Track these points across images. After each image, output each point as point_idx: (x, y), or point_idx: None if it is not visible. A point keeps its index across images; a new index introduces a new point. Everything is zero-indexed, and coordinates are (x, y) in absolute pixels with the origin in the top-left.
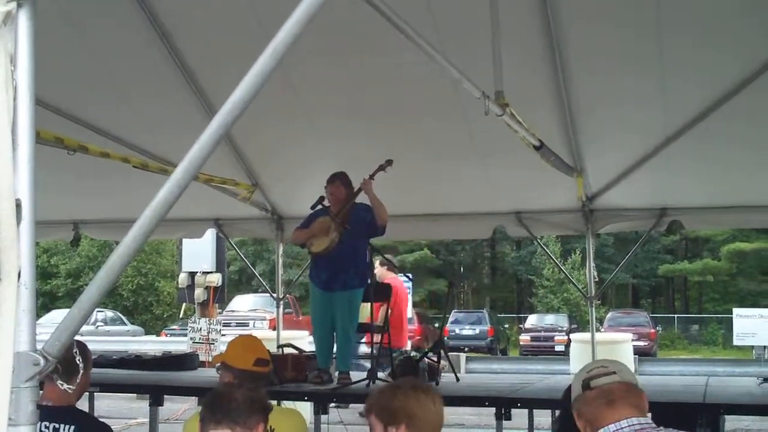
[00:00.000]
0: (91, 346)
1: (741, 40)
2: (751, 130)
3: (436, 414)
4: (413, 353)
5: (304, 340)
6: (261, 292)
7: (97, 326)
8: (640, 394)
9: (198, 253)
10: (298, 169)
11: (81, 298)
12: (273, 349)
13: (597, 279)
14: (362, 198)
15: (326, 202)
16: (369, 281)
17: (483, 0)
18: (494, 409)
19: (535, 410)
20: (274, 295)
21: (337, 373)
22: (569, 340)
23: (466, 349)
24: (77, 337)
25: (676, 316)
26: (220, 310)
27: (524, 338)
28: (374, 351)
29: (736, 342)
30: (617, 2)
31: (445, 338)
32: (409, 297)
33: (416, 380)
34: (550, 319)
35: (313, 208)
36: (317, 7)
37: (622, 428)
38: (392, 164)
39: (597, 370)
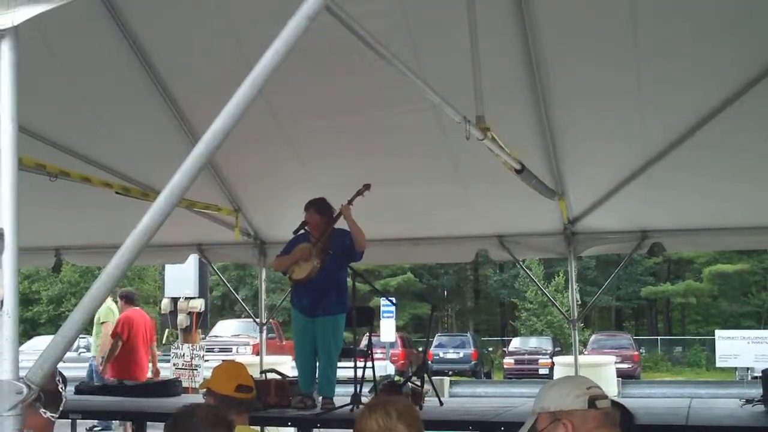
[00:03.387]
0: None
1: (714, 69)
2: (730, 155)
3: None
4: (396, 377)
5: (287, 365)
6: (244, 317)
7: (80, 353)
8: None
9: (181, 279)
10: (280, 193)
11: (64, 325)
12: (256, 374)
13: (580, 302)
14: (342, 223)
15: (308, 227)
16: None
17: (463, 25)
18: None
19: None
20: (257, 320)
21: (320, 398)
22: (553, 363)
23: (450, 372)
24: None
25: (659, 338)
26: (203, 336)
27: (508, 361)
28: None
29: (718, 364)
30: (596, 30)
31: (429, 362)
32: (393, 321)
33: (392, 399)
34: (533, 342)
35: (295, 233)
36: (296, 37)
37: None
38: (370, 189)
39: (597, 390)
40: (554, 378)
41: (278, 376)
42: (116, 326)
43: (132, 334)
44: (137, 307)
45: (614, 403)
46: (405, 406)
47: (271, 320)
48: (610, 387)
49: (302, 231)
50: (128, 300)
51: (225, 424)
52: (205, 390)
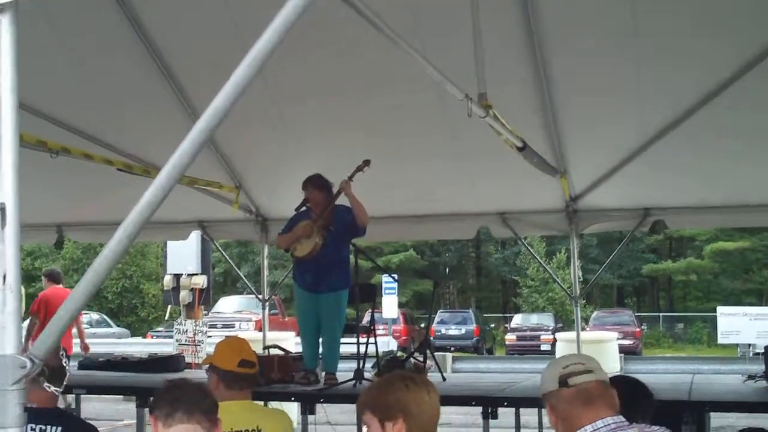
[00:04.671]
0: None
1: (714, 51)
2: (733, 131)
3: (431, 405)
4: (399, 353)
5: (290, 341)
6: (246, 293)
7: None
8: (613, 393)
9: (183, 256)
10: (281, 170)
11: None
12: (259, 350)
13: (582, 279)
14: (343, 199)
15: (310, 204)
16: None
17: (465, 4)
18: (481, 408)
19: (521, 409)
20: (260, 296)
21: (323, 374)
22: (555, 340)
23: (452, 348)
24: None
25: (660, 314)
26: (205, 312)
27: (510, 338)
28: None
29: (720, 340)
30: (597, 12)
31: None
32: (395, 298)
33: (406, 372)
34: (535, 318)
35: (297, 209)
36: (296, 15)
37: (598, 428)
38: (370, 164)
39: (574, 366)
40: (556, 353)
41: (281, 352)
42: (33, 305)
43: (48, 312)
44: (60, 285)
45: (619, 378)
46: (427, 380)
47: (273, 296)
48: (613, 363)
49: (304, 208)
50: (51, 278)
51: (211, 397)
52: (208, 366)
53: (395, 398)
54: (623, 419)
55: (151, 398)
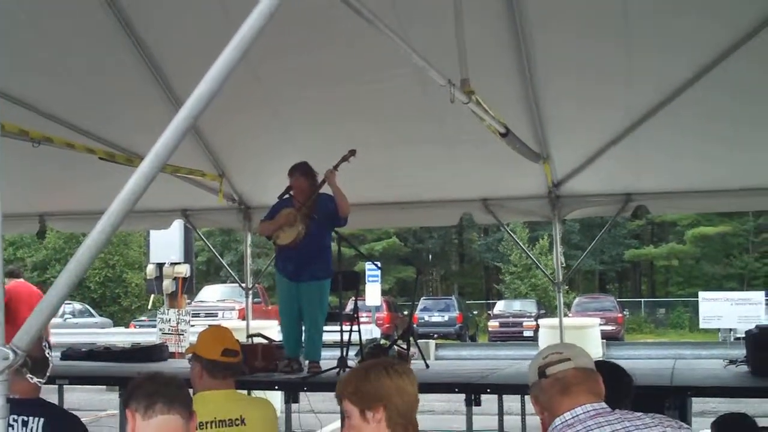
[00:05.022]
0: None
1: (696, 34)
2: (712, 118)
3: (411, 393)
4: (383, 341)
5: (273, 330)
6: (229, 282)
7: (65, 318)
8: (596, 379)
9: (166, 244)
10: (264, 158)
11: (50, 291)
12: (242, 339)
13: (564, 265)
14: (326, 188)
15: (293, 192)
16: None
17: None
18: (464, 395)
19: (504, 396)
20: (243, 285)
21: (307, 362)
22: (538, 326)
23: (435, 335)
24: None
25: (642, 300)
26: (188, 301)
27: (493, 324)
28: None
29: (702, 325)
30: None
31: (414, 325)
32: (378, 285)
33: (387, 359)
34: (518, 305)
35: (280, 197)
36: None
37: (578, 415)
38: (355, 154)
39: (552, 356)
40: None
41: (265, 341)
42: None
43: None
44: (21, 279)
45: (601, 363)
46: (407, 367)
47: (256, 285)
48: (595, 348)
49: (287, 196)
50: (10, 274)
51: (186, 389)
52: (191, 355)
53: (376, 386)
54: (605, 406)
55: (125, 392)
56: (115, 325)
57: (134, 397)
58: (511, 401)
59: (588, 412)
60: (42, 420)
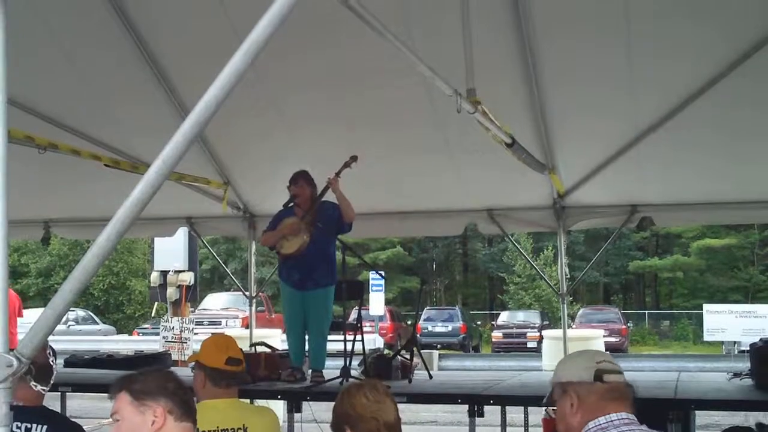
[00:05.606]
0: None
1: (703, 47)
2: (718, 131)
3: (395, 413)
4: (386, 350)
5: (277, 339)
6: (233, 290)
7: (69, 325)
8: (631, 395)
9: (170, 252)
10: (269, 167)
11: (55, 298)
12: (246, 347)
13: (569, 276)
14: (329, 196)
15: (297, 200)
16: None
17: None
18: (467, 406)
19: (508, 407)
20: (247, 293)
21: (310, 371)
22: (541, 337)
23: (438, 346)
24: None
25: (646, 312)
26: (192, 309)
27: (496, 335)
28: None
29: (706, 337)
30: (588, 7)
31: (418, 335)
32: (382, 295)
33: (369, 381)
34: (521, 315)
35: (285, 206)
36: (290, 6)
37: (612, 421)
38: (357, 160)
39: (605, 364)
40: (543, 351)
41: (268, 349)
42: None
43: None
44: None
45: None
46: (384, 385)
47: (260, 293)
48: None
49: (291, 204)
50: None
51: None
52: (194, 363)
53: (367, 400)
54: (635, 418)
55: (158, 385)
56: (118, 333)
57: (167, 396)
58: (515, 412)
59: (623, 419)
60: (45, 427)
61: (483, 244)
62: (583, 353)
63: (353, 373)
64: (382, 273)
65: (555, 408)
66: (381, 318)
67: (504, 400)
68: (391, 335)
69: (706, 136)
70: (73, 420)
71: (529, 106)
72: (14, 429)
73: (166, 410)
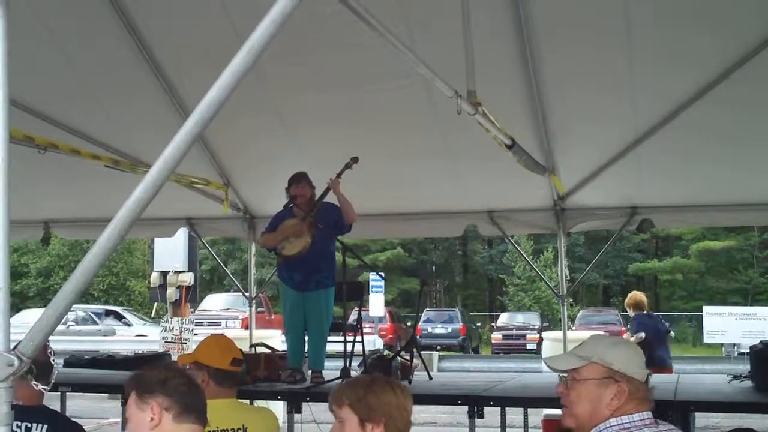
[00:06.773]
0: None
1: (702, 51)
2: (722, 131)
3: (409, 413)
4: (386, 352)
5: (276, 339)
6: (233, 291)
7: (69, 326)
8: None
9: (170, 253)
10: (270, 168)
11: (55, 298)
12: (245, 348)
13: (569, 277)
14: (330, 197)
15: (298, 201)
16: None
17: (455, 1)
18: (467, 407)
19: (507, 408)
20: (247, 294)
21: (310, 372)
22: (541, 338)
23: (438, 347)
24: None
25: None
26: (192, 310)
27: (496, 336)
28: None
29: (706, 340)
30: (588, 11)
31: (418, 337)
32: (382, 296)
33: (390, 378)
34: (521, 317)
35: (286, 207)
36: (293, 6)
37: (634, 421)
38: (358, 161)
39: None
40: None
41: (268, 350)
42: None
43: None
44: None
45: None
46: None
47: (260, 294)
48: None
49: (291, 206)
50: None
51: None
52: (191, 364)
53: (382, 400)
54: (653, 417)
55: (157, 380)
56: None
57: (165, 392)
58: (514, 414)
59: (644, 420)
60: (45, 427)
61: (483, 246)
62: (634, 349)
63: (353, 374)
64: (382, 274)
65: (569, 379)
66: (381, 319)
67: (504, 401)
68: (390, 336)
69: (706, 138)
70: (74, 420)
71: (530, 108)
72: (15, 428)
73: (162, 407)
